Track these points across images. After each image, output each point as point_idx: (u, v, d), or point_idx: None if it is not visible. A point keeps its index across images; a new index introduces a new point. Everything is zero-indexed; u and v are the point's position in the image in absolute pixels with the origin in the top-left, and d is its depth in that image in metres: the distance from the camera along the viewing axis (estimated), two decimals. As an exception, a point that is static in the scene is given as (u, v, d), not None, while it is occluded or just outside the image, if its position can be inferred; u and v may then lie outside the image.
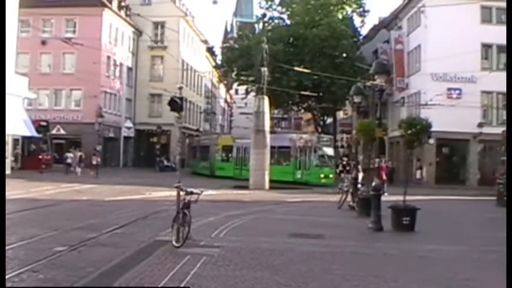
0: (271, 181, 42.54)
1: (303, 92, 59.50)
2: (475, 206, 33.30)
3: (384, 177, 38.75)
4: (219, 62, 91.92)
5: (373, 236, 18.52)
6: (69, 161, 51.96)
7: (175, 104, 16.03)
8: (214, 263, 12.54)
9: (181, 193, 14.95)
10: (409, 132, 19.99)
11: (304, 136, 53.00)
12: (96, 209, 24.13)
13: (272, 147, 46.23)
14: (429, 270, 12.92)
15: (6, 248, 13.48)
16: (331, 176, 47.37)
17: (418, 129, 19.95)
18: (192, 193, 14.59)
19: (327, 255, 14.21)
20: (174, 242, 14.19)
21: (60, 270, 11.62)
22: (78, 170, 49.30)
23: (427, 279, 11.91)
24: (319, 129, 72.52)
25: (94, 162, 50.33)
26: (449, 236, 19.10)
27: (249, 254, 13.81)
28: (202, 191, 15.00)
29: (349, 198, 26.76)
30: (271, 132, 48.77)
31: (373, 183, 19.94)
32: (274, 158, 47.98)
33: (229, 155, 56.56)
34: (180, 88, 17.34)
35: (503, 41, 33.24)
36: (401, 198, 19.35)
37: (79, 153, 52.68)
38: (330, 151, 50.12)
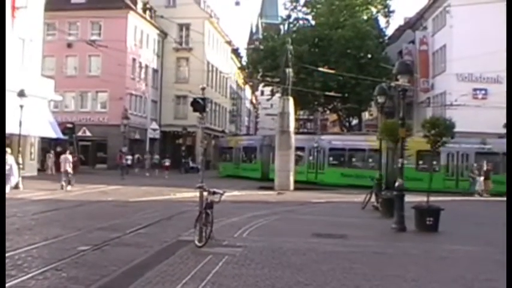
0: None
1: (327, 93, 59.48)
2: (501, 207, 32.99)
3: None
4: (244, 63, 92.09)
5: (396, 236, 18.48)
6: (129, 162, 53.70)
7: (198, 105, 16.10)
8: (236, 262, 12.61)
9: (205, 193, 15.05)
10: (433, 132, 19.87)
11: None
12: (120, 209, 24.30)
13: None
14: (450, 270, 12.87)
15: (31, 247, 13.77)
16: None
17: (442, 129, 19.83)
18: (214, 193, 14.69)
19: (349, 255, 14.20)
20: (196, 242, 14.25)
21: (82, 268, 11.78)
22: (136, 170, 49.87)
23: (448, 279, 11.88)
24: (345, 130, 72.45)
25: (167, 164, 55.56)
26: (473, 237, 19.02)
27: (271, 253, 13.83)
28: (224, 192, 15.11)
29: (373, 198, 26.72)
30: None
31: (396, 184, 19.83)
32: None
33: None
34: (203, 89, 17.33)
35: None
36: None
37: (136, 156, 53.56)
38: None
